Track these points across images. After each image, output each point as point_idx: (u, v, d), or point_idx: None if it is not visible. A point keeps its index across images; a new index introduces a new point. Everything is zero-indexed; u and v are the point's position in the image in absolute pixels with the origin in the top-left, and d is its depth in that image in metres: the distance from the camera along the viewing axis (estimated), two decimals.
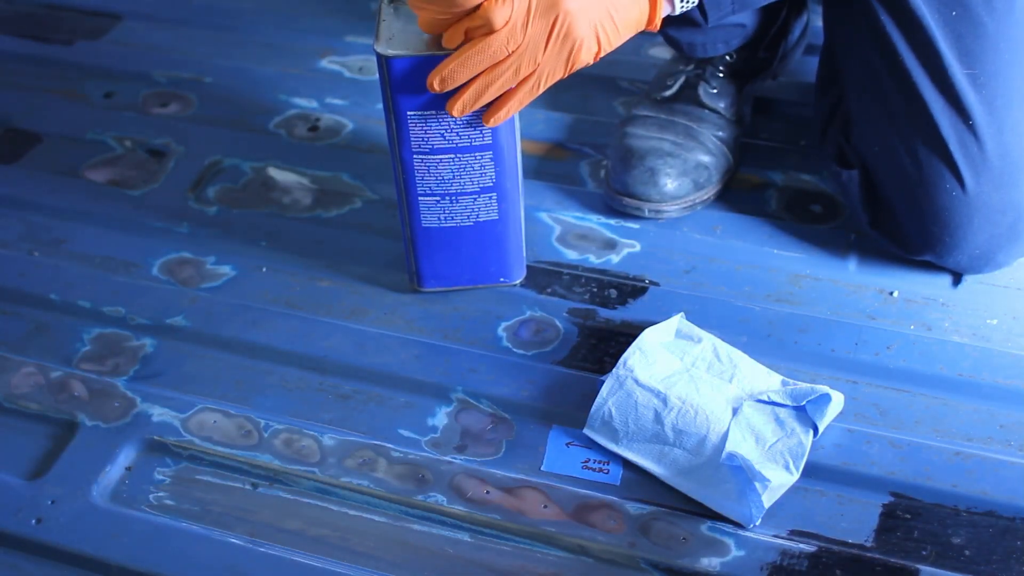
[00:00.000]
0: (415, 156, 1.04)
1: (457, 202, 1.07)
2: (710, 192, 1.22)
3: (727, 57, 1.25)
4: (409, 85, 1.00)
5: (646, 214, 1.20)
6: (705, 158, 1.21)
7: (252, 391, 1.08)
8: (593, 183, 1.27)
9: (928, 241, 1.09)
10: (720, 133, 1.23)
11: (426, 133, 1.02)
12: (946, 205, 1.07)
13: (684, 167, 1.19)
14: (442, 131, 1.02)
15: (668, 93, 1.25)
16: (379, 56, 0.99)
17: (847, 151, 1.15)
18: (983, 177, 1.05)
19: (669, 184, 1.19)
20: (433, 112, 1.01)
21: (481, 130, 1.02)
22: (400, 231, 1.12)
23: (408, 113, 1.01)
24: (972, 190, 1.06)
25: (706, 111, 1.23)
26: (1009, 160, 1.05)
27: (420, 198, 1.07)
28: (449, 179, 1.05)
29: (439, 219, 1.08)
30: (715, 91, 1.24)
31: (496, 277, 1.14)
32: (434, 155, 1.04)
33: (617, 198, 1.21)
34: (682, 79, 1.25)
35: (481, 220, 1.09)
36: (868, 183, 1.13)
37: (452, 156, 1.04)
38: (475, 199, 1.07)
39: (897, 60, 1.07)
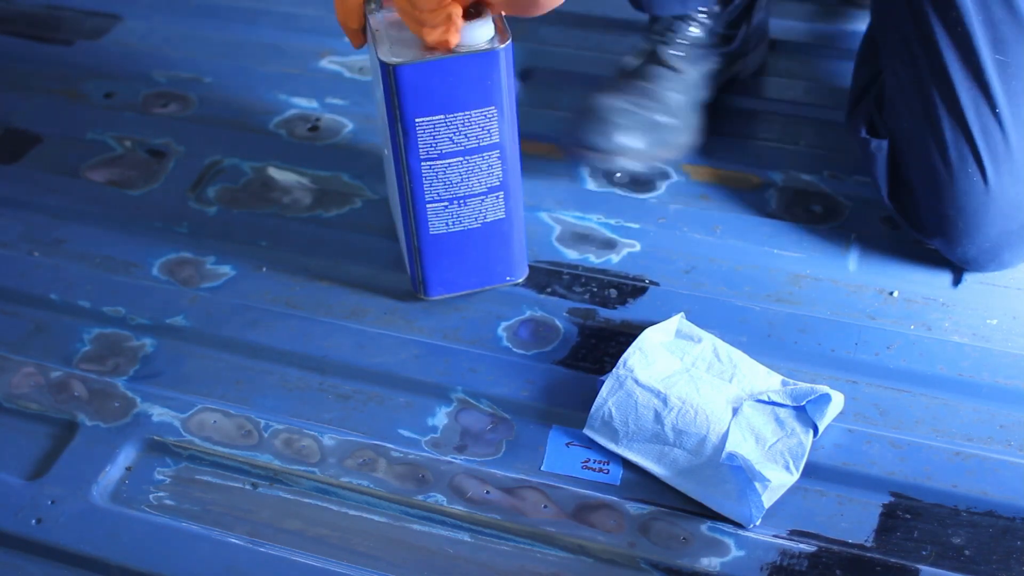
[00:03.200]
0: (423, 163, 1.04)
1: (465, 205, 1.07)
2: (667, 150, 1.25)
3: (689, 30, 1.28)
4: (416, 91, 0.99)
5: (604, 167, 1.25)
6: (662, 117, 1.24)
7: (252, 391, 1.08)
8: (593, 183, 1.27)
9: (942, 225, 1.09)
10: (680, 95, 1.26)
11: (434, 138, 1.02)
12: (965, 190, 1.07)
13: (640, 123, 1.23)
14: (450, 134, 1.02)
15: (634, 64, 1.29)
16: (384, 65, 0.99)
17: (878, 123, 1.15)
18: (1003, 168, 1.05)
19: (624, 138, 1.22)
20: (441, 116, 1.01)
21: (488, 129, 1.02)
22: (399, 238, 1.12)
23: (416, 120, 1.01)
24: (992, 179, 1.06)
25: (667, 70, 1.27)
26: None
27: (428, 205, 1.06)
28: (457, 182, 1.05)
29: (447, 224, 1.08)
30: (676, 54, 1.28)
31: (502, 276, 1.14)
32: (443, 160, 1.04)
33: (574, 151, 1.24)
34: (648, 50, 1.29)
35: (488, 220, 1.08)
36: (892, 157, 1.13)
37: (460, 159, 1.04)
38: (483, 200, 1.07)
39: (931, 40, 1.07)
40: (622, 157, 1.23)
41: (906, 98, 1.11)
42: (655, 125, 1.23)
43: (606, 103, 1.24)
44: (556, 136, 1.31)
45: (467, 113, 1.01)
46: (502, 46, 0.99)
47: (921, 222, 1.12)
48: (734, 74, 1.35)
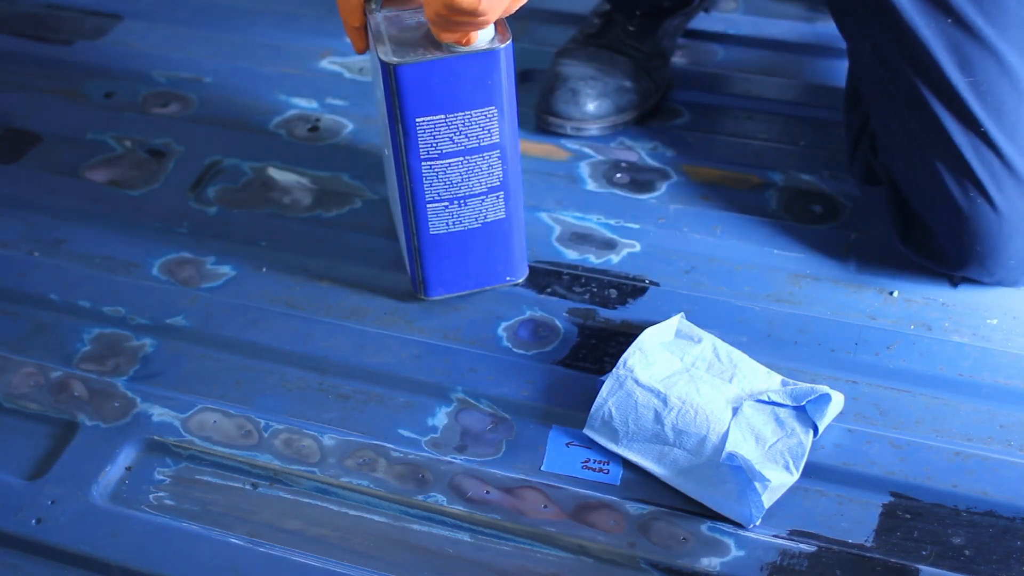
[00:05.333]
0: (423, 163, 1.04)
1: (465, 205, 1.07)
2: (631, 115, 1.32)
3: None
4: (417, 91, 0.99)
5: (568, 131, 1.31)
6: (626, 83, 1.32)
7: (252, 391, 1.08)
8: (593, 183, 1.27)
9: (964, 256, 1.08)
10: (641, 65, 1.33)
11: (434, 138, 1.02)
12: (975, 220, 1.06)
13: (605, 89, 1.30)
14: (451, 134, 1.02)
15: (592, 31, 1.36)
16: (384, 65, 0.99)
17: (876, 167, 1.15)
18: (1006, 185, 1.05)
19: (590, 105, 1.30)
20: (441, 116, 1.01)
21: (488, 129, 1.02)
22: (399, 238, 1.11)
23: (416, 120, 1.01)
24: (999, 202, 1.05)
25: (626, 46, 1.33)
26: None
27: (428, 205, 1.06)
28: (458, 182, 1.05)
29: (447, 224, 1.08)
30: (633, 29, 1.34)
31: (503, 277, 1.14)
32: (443, 159, 1.04)
33: (543, 117, 1.32)
34: (605, 18, 1.36)
35: (489, 220, 1.08)
36: (899, 199, 1.12)
37: (461, 159, 1.04)
38: (483, 200, 1.07)
39: (902, 74, 1.06)
40: (590, 123, 1.30)
41: (897, 141, 1.10)
42: (619, 89, 1.30)
43: (572, 71, 1.31)
44: (562, 140, 1.32)
45: (467, 113, 1.01)
46: (502, 46, 0.99)
47: (944, 257, 1.10)
48: (702, 9, 1.43)
